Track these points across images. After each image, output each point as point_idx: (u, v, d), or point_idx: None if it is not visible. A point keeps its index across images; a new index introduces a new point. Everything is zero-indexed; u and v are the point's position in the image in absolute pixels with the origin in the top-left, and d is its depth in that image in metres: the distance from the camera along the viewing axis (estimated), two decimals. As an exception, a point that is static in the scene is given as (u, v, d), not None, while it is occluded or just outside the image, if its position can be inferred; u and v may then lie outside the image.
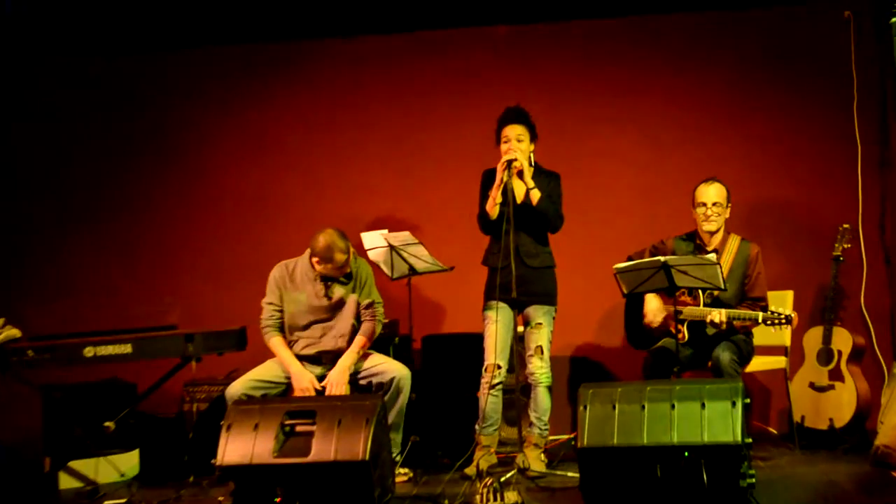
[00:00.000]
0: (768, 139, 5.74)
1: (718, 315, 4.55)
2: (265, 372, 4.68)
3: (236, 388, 4.56)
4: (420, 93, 6.05)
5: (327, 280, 4.70)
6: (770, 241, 5.36)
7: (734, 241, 4.84)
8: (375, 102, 6.08)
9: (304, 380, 4.62)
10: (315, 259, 4.65)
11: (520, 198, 4.64)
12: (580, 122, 5.89)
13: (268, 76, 6.16)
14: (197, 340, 4.52)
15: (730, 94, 5.77)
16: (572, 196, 5.07)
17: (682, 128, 5.81)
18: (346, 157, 6.10)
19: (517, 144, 4.62)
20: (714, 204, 4.76)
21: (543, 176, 4.73)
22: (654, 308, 4.82)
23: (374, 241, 5.21)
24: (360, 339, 4.75)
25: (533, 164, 4.72)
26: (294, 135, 6.14)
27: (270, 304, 4.75)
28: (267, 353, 4.80)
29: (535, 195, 4.63)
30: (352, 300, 4.76)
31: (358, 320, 4.81)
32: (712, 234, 4.80)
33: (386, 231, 5.21)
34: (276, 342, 4.72)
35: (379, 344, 4.96)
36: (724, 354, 4.58)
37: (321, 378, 4.69)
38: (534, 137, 4.70)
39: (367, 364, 4.73)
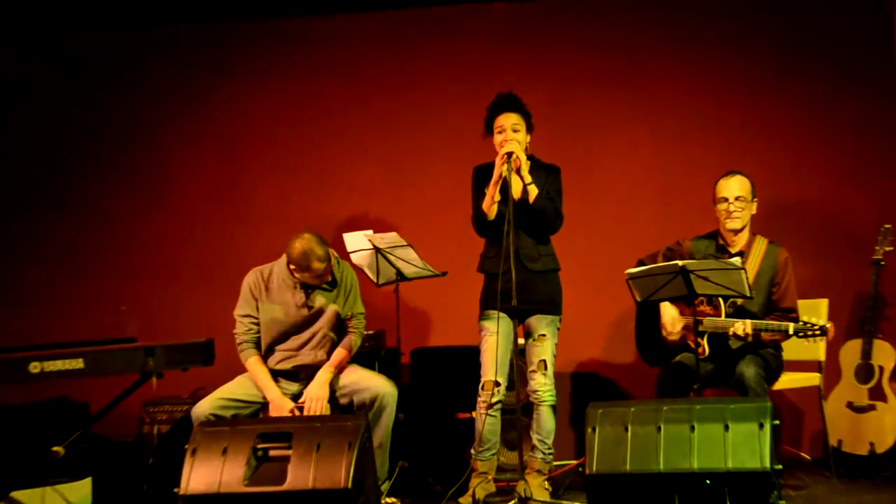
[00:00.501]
0: (798, 129, 5.74)
1: (743, 326, 4.55)
2: (236, 389, 4.66)
3: (203, 408, 4.54)
4: (408, 78, 6.06)
5: (308, 287, 4.71)
6: (801, 244, 5.36)
7: (761, 244, 4.84)
8: (357, 88, 6.08)
9: (284, 410, 4.60)
10: (292, 266, 4.65)
11: (516, 194, 4.63)
12: (585, 110, 5.90)
13: (235, 57, 6.16)
14: (158, 354, 4.31)
15: (754, 79, 5.76)
16: (576, 193, 5.05)
17: (699, 117, 5.81)
18: (325, 148, 6.09)
19: (513, 135, 4.63)
20: (737, 198, 4.76)
21: (542, 170, 4.73)
22: (673, 316, 4.81)
23: (358, 243, 5.19)
24: (339, 353, 4.76)
25: (529, 156, 4.72)
26: (266, 123, 6.14)
27: (246, 316, 4.74)
28: (238, 369, 4.79)
29: (533, 191, 4.63)
30: (332, 309, 4.76)
31: (337, 331, 4.80)
32: (736, 232, 4.81)
33: (371, 232, 5.19)
34: (253, 362, 4.71)
35: (363, 358, 4.96)
36: (748, 370, 4.57)
37: (297, 395, 4.70)
38: (530, 127, 4.71)
39: (347, 379, 4.72)
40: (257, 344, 4.74)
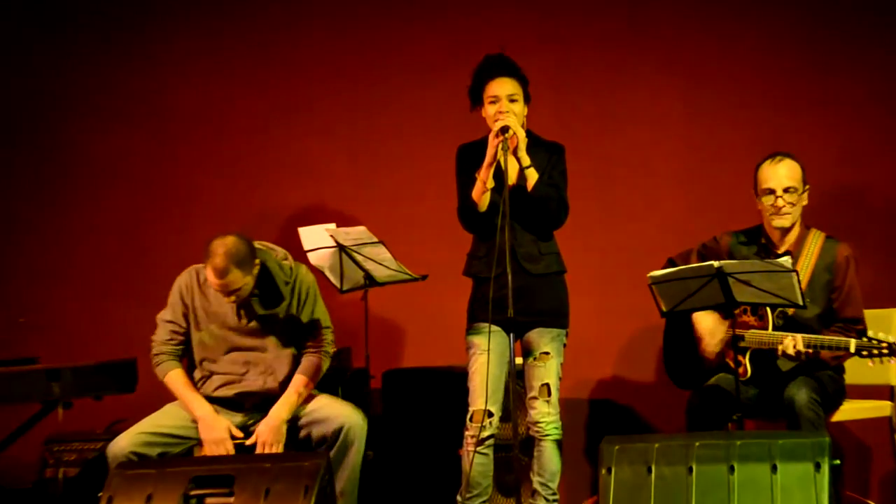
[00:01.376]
0: (862, 102, 5.73)
1: (793, 342, 4.49)
2: (163, 421, 4.62)
3: (121, 446, 4.47)
4: (378, 39, 6.07)
5: (252, 294, 4.66)
6: (866, 242, 5.33)
7: (816, 240, 4.81)
8: (315, 50, 6.10)
9: (217, 429, 4.57)
10: (213, 286, 4.64)
11: (512, 179, 4.62)
12: (599, 78, 5.91)
13: (166, 12, 6.17)
14: (65, 378, 4.49)
15: (809, 42, 5.78)
16: (587, 178, 5.20)
17: (740, 86, 5.82)
18: (278, 126, 6.11)
19: (510, 106, 4.60)
20: (787, 190, 4.71)
21: (542, 150, 4.71)
22: (710, 327, 4.77)
23: (317, 240, 5.17)
24: (298, 380, 4.70)
25: (526, 133, 4.69)
26: (206, 96, 6.15)
27: (170, 322, 4.72)
28: (167, 396, 4.72)
29: (532, 176, 4.63)
30: (285, 322, 4.72)
31: (297, 349, 4.77)
32: (785, 231, 4.77)
33: (333, 226, 5.16)
34: (174, 376, 4.67)
35: (323, 382, 4.89)
36: (800, 393, 4.52)
37: (241, 428, 4.66)
38: (527, 97, 4.69)
39: (304, 408, 4.69)
40: (178, 357, 4.73)
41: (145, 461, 4.37)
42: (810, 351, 4.51)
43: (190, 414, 4.61)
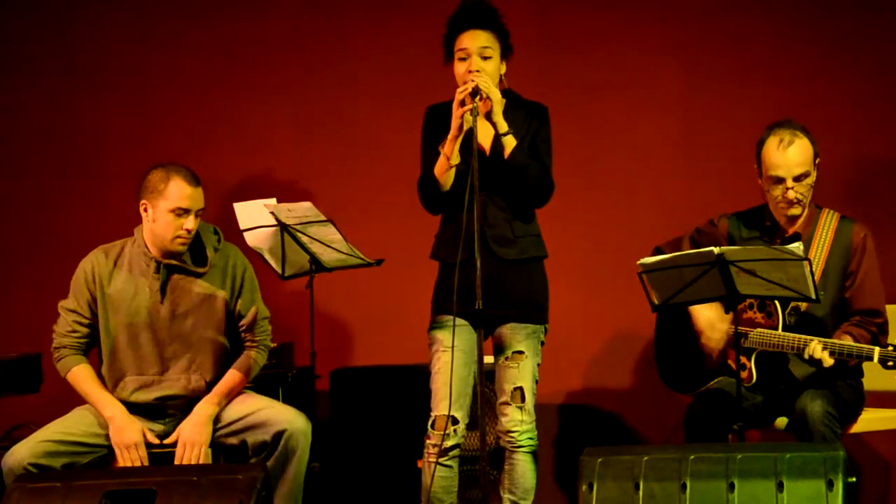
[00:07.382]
0: (884, 71, 5.76)
1: (814, 348, 4.49)
2: (71, 427, 4.61)
3: (19, 455, 4.47)
4: None
5: (173, 271, 4.65)
6: (886, 229, 5.36)
7: (828, 220, 4.81)
8: None
9: (129, 431, 4.57)
10: (145, 203, 4.62)
11: (487, 148, 4.62)
12: (588, 29, 5.93)
13: None
14: None
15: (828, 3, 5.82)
16: (572, 150, 5.14)
17: (748, 45, 5.86)
18: (205, 84, 6.15)
19: (482, 63, 4.58)
20: (798, 178, 4.66)
21: (523, 112, 4.71)
22: (710, 319, 4.78)
23: (255, 217, 5.20)
24: (231, 377, 4.70)
25: (505, 92, 4.68)
26: (122, 43, 6.15)
27: (73, 311, 4.71)
28: (77, 398, 4.71)
29: (509, 144, 4.61)
30: (218, 303, 4.71)
31: (229, 342, 4.75)
32: (794, 218, 4.77)
33: (274, 201, 5.19)
34: (78, 372, 4.68)
35: (262, 382, 4.94)
36: (814, 405, 4.54)
37: (163, 438, 4.66)
38: (506, 51, 4.67)
39: (238, 411, 4.67)
40: (83, 351, 4.73)
41: (49, 473, 4.35)
42: (832, 361, 4.52)
43: (99, 416, 4.60)
